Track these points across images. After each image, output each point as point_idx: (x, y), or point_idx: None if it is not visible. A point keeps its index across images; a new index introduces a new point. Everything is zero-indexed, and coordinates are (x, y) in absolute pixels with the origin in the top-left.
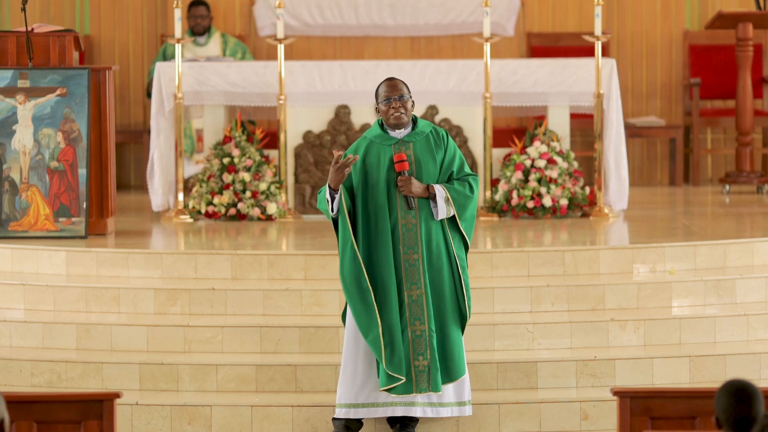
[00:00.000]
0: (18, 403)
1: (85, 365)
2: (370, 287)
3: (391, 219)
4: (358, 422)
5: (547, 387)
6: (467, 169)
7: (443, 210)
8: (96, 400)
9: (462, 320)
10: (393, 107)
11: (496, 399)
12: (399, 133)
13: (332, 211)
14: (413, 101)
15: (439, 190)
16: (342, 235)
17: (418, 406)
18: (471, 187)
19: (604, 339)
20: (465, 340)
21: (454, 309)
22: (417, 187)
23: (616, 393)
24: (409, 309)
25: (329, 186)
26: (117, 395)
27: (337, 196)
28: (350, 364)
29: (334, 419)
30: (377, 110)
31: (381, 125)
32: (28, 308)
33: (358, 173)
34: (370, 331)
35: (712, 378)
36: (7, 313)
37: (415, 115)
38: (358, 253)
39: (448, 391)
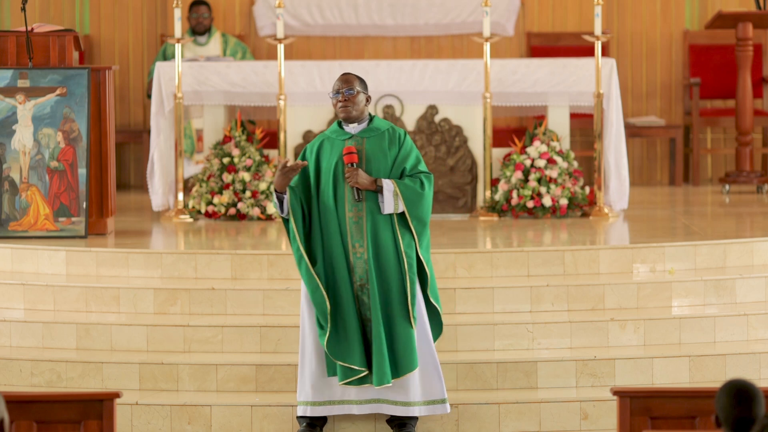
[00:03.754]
0: (18, 403)
1: (84, 365)
2: (320, 283)
3: (338, 211)
4: (323, 418)
5: (547, 387)
6: (422, 168)
7: (390, 203)
8: (96, 400)
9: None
10: (340, 100)
11: (496, 399)
12: (353, 128)
13: (282, 212)
14: (368, 97)
15: (387, 183)
16: (291, 235)
17: (384, 403)
18: (422, 183)
19: (604, 339)
20: (464, 340)
21: (402, 305)
22: (364, 178)
23: (616, 393)
24: (359, 301)
25: (275, 189)
26: (117, 395)
27: (285, 197)
28: (307, 360)
29: (297, 418)
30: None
31: (340, 122)
32: (28, 308)
33: (313, 172)
34: (325, 323)
35: (712, 378)
36: (7, 313)
37: (373, 114)
38: (304, 254)
39: (416, 389)
